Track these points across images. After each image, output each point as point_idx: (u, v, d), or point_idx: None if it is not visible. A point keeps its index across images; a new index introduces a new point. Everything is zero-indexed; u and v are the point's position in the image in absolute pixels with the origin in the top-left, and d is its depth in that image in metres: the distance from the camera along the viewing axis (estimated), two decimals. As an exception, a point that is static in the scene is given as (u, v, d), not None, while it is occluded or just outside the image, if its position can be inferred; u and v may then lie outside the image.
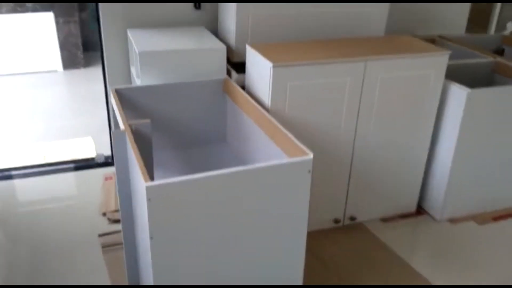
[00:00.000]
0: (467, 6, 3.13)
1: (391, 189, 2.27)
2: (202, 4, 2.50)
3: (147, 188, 1.25)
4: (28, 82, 4.48)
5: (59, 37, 4.67)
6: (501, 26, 4.37)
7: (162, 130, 2.12)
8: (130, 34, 2.30)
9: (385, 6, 2.40)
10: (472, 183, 2.27)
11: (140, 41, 2.17)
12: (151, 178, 1.61)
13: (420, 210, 2.40)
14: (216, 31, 2.50)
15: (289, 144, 1.55)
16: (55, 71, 4.78)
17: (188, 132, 2.17)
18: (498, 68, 2.51)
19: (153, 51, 2.05)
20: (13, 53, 4.58)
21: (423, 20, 3.05)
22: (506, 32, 4.36)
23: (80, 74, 4.75)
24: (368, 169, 2.17)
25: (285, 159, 1.43)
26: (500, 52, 3.10)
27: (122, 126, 1.60)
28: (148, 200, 1.27)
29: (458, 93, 2.08)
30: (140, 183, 1.33)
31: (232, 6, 2.18)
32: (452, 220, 2.33)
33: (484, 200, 2.37)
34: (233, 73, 2.19)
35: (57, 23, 4.61)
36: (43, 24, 4.58)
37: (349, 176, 2.15)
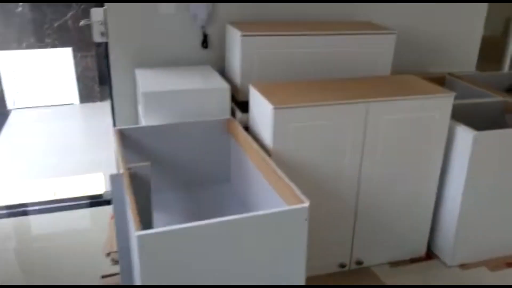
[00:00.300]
0: (477, 43, 3.11)
1: (399, 232, 2.21)
2: (209, 43, 2.52)
3: (138, 237, 1.24)
4: (45, 115, 4.57)
5: (76, 71, 4.77)
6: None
7: (166, 171, 2.12)
8: (137, 73, 2.33)
9: (391, 46, 2.40)
10: (483, 227, 2.21)
11: (145, 80, 2.20)
12: (148, 223, 1.60)
13: (430, 254, 2.33)
14: (223, 70, 2.51)
15: (287, 191, 1.52)
16: (72, 104, 4.87)
17: (193, 173, 2.16)
18: (509, 108, 2.46)
19: (157, 92, 2.07)
20: (32, 87, 4.69)
21: (433, 58, 3.04)
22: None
23: (96, 107, 4.83)
24: (374, 212, 2.12)
25: (281, 208, 1.41)
26: (513, 90, 3.05)
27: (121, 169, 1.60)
28: (140, 248, 1.25)
29: (465, 135, 2.04)
30: (132, 230, 1.31)
31: (237, 44, 2.20)
32: (463, 266, 2.25)
33: (496, 245, 2.29)
34: (238, 113, 2.19)
35: (74, 57, 4.71)
36: (61, 59, 4.69)
37: (355, 219, 2.11)
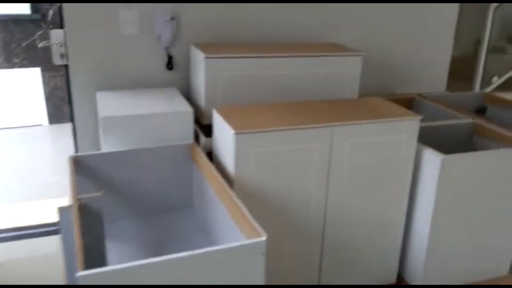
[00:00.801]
0: (446, 63, 3.11)
1: (368, 259, 2.15)
2: (175, 65, 2.46)
3: (80, 278, 1.16)
4: (13, 136, 4.44)
5: (45, 91, 4.67)
6: (487, 80, 4.36)
7: (126, 198, 2.03)
8: (98, 96, 2.25)
9: (358, 67, 2.36)
10: (454, 253, 2.16)
11: (106, 104, 2.12)
12: (100, 257, 1.51)
13: (401, 280, 2.27)
14: (189, 92, 2.45)
15: (245, 223, 1.46)
16: (41, 125, 4.75)
17: (154, 200, 2.08)
18: (477, 130, 2.44)
19: (117, 116, 1.99)
20: (0, 108, 4.57)
21: (402, 79, 3.02)
22: (492, 87, 4.34)
23: (65, 128, 4.72)
24: (342, 238, 2.06)
25: (237, 242, 1.33)
26: (482, 110, 3.05)
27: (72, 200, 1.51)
28: (82, 289, 1.17)
29: (432, 159, 2.01)
30: (75, 269, 1.23)
31: (201, 66, 2.14)
32: (433, 292, 2.20)
33: (468, 270, 2.24)
34: (201, 137, 2.12)
35: (43, 77, 4.62)
36: (30, 79, 4.59)
37: (322, 245, 2.04)
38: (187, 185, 2.09)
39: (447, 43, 3.06)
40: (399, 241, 2.17)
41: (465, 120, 2.47)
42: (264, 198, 1.86)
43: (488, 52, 4.33)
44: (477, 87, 4.37)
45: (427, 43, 3.00)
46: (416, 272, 2.18)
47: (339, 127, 1.87)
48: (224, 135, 1.84)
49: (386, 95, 2.99)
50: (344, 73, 2.35)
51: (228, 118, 1.85)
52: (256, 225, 1.40)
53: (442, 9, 2.96)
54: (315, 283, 2.09)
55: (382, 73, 2.94)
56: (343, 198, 1.99)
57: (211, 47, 2.29)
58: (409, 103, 2.92)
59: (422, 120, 2.56)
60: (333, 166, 1.92)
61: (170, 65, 2.45)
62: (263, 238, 1.34)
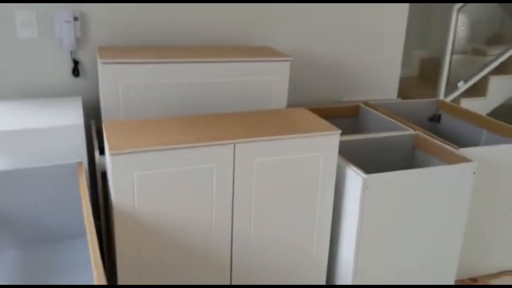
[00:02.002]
0: (397, 69, 2.87)
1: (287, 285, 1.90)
2: (82, 71, 2.20)
3: None
4: None
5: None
6: (452, 85, 4.13)
7: (8, 226, 1.77)
8: (-14, 107, 1.98)
9: (286, 74, 2.11)
10: (383, 274, 1.91)
11: (-13, 117, 1.86)
12: None
13: (327, 312, 2.02)
14: (98, 102, 2.19)
15: (96, 267, 1.19)
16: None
17: (41, 227, 1.81)
18: (418, 143, 2.20)
19: (-8, 132, 1.72)
20: None
21: (354, 85, 2.78)
22: (457, 93, 4.12)
23: None
24: (254, 273, 1.80)
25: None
26: (436, 119, 2.82)
27: None
28: None
29: (355, 179, 1.76)
30: None
31: (100, 72, 1.88)
32: (363, 326, 1.95)
33: None
34: (96, 155, 1.86)
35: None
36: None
37: (230, 275, 1.79)
38: (77, 211, 1.82)
39: (397, 47, 2.82)
40: (323, 271, 1.92)
41: (406, 132, 2.23)
42: (154, 229, 1.60)
43: (453, 54, 4.10)
44: (441, 93, 4.14)
45: (377, 47, 2.76)
46: (344, 305, 1.94)
47: (242, 144, 1.62)
48: (107, 155, 1.59)
49: (334, 102, 2.76)
50: (269, 81, 2.10)
51: (111, 134, 1.59)
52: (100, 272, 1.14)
53: (392, 11, 2.72)
54: (226, 320, 1.84)
55: (332, 80, 2.70)
56: (252, 225, 1.74)
57: (116, 51, 2.04)
58: (355, 112, 2.69)
59: (364, 131, 2.33)
60: (238, 189, 1.67)
61: (76, 71, 2.19)
62: (103, 289, 1.08)
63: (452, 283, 2.05)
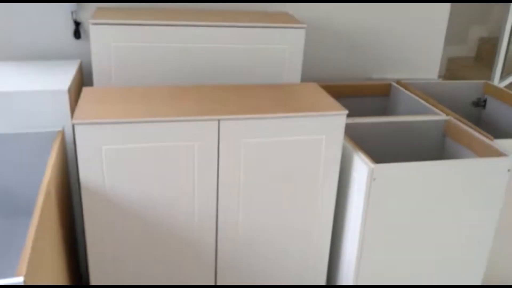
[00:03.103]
0: (439, 46, 2.54)
1: (282, 282, 1.71)
2: (84, 33, 2.05)
3: None
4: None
5: None
6: (510, 66, 3.71)
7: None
8: (-21, 67, 1.88)
9: (300, 43, 1.87)
10: (387, 276, 1.68)
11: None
12: None
13: (327, 312, 1.82)
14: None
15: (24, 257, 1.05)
16: None
17: (15, 198, 1.70)
18: (448, 130, 1.92)
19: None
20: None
21: (387, 62, 2.48)
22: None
23: None
24: (243, 267, 1.62)
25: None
26: (481, 104, 2.49)
27: None
28: None
29: (361, 168, 1.53)
30: None
31: (91, 33, 1.72)
32: (365, 333, 1.73)
33: None
34: (82, 124, 1.71)
35: None
36: None
37: (215, 272, 1.62)
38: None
39: (441, 18, 2.49)
40: (324, 265, 1.71)
41: (436, 117, 1.95)
42: (130, 212, 1.44)
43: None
44: (496, 76, 3.74)
45: (416, 18, 2.44)
46: (344, 308, 1.72)
47: (227, 121, 1.42)
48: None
49: (362, 79, 2.49)
50: (280, 50, 1.88)
51: (84, 102, 1.44)
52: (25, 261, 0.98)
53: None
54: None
55: (361, 54, 2.43)
56: (240, 216, 1.55)
57: (113, 11, 1.87)
58: (385, 91, 2.41)
59: (394, 113, 2.08)
60: (223, 173, 1.47)
61: (77, 33, 2.05)
62: (19, 279, 0.93)
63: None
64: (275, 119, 1.44)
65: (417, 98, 2.13)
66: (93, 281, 1.52)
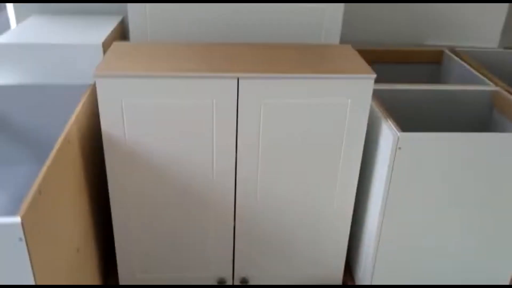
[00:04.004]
0: (503, 11, 2.33)
1: (302, 252, 1.70)
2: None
3: None
4: None
5: None
6: None
7: (21, 142, 1.77)
8: (25, 21, 1.96)
9: (340, 5, 1.78)
10: (408, 255, 1.61)
11: (19, 31, 1.83)
12: None
13: (348, 283, 1.78)
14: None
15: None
16: None
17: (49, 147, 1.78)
18: (496, 101, 1.78)
19: (11, 44, 1.69)
20: None
21: (441, 28, 2.32)
22: None
23: None
24: (262, 223, 1.62)
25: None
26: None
27: None
28: None
29: (387, 136, 1.45)
30: None
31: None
32: (385, 305, 1.69)
33: (429, 280, 1.69)
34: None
35: None
36: None
37: (234, 230, 1.62)
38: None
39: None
40: (345, 235, 1.67)
41: (483, 87, 1.81)
42: (150, 166, 1.47)
43: None
44: None
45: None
46: (365, 277, 1.68)
47: (247, 79, 1.39)
48: (101, 77, 1.46)
49: (412, 45, 2.35)
50: (320, 9, 1.79)
51: (110, 57, 1.46)
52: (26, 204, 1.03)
53: None
54: (229, 268, 1.70)
55: (417, 18, 2.28)
56: (259, 179, 1.53)
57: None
58: (438, 59, 2.27)
59: (444, 82, 1.97)
60: (242, 133, 1.46)
61: (122, -10, 2.07)
62: (17, 219, 0.98)
63: (507, 282, 1.68)
64: (297, 79, 1.40)
65: (468, 67, 1.99)
66: (116, 235, 1.58)
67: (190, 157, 1.48)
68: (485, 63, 2.19)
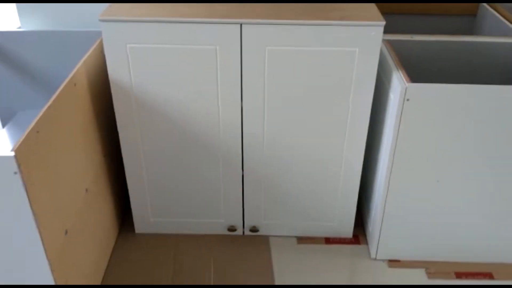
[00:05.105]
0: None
1: (312, 202, 1.69)
2: None
3: None
4: None
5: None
6: None
7: (40, 85, 1.84)
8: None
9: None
10: (417, 209, 1.57)
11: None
12: None
13: (359, 238, 1.77)
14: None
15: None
16: None
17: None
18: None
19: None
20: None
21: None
22: None
23: None
24: (269, 173, 1.62)
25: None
26: None
27: None
28: None
29: (396, 87, 1.40)
30: None
31: None
32: (394, 262, 1.67)
33: (441, 245, 1.64)
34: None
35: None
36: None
37: (242, 179, 1.64)
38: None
39: None
40: (355, 185, 1.65)
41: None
42: (157, 110, 1.50)
43: None
44: None
45: None
46: (373, 231, 1.67)
47: (250, 25, 1.37)
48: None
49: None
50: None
51: (116, 4, 1.47)
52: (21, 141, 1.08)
53: None
54: (239, 216, 1.73)
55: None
56: (266, 124, 1.53)
57: None
58: (472, 11, 2.15)
59: (475, 34, 1.87)
60: (247, 80, 1.45)
61: None
62: (10, 153, 1.03)
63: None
64: (301, 26, 1.36)
65: (501, 18, 1.87)
66: (129, 181, 1.63)
67: (196, 105, 1.49)
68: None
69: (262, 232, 1.76)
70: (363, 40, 1.38)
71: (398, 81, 1.39)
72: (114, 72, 1.44)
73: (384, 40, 1.62)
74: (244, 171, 1.62)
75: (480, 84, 1.35)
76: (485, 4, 2.06)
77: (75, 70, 1.37)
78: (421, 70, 1.71)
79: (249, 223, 1.74)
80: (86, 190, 1.44)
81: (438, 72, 1.73)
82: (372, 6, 1.47)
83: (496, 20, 1.93)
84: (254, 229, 1.75)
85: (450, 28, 2.17)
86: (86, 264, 1.46)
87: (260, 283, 1.57)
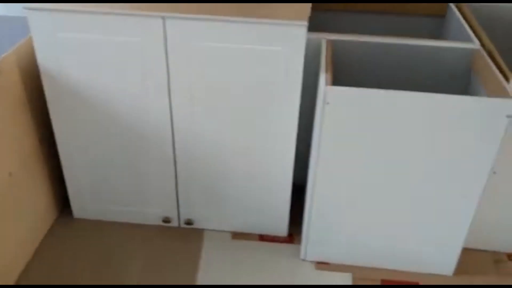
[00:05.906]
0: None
1: (246, 198, 1.69)
2: None
3: None
4: None
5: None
6: None
7: None
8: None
9: None
10: (342, 211, 1.56)
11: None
12: None
13: (294, 237, 1.77)
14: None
15: None
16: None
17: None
18: (475, 63, 1.63)
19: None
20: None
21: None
22: None
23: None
24: (201, 166, 1.63)
25: None
26: None
27: None
28: None
29: (320, 89, 1.38)
30: None
31: None
32: (322, 265, 1.66)
33: (372, 250, 1.63)
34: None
35: None
36: None
37: (176, 170, 1.65)
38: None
39: None
40: (286, 185, 1.64)
41: (463, 44, 1.65)
42: (89, 101, 1.51)
43: None
44: None
45: None
46: (305, 228, 1.65)
47: (173, 20, 1.36)
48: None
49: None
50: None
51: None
52: None
53: None
54: (174, 208, 1.74)
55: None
56: (195, 119, 1.52)
57: None
58: (442, 12, 2.09)
59: (444, 37, 1.83)
60: (173, 75, 1.45)
61: None
62: None
63: (457, 253, 1.58)
64: (225, 22, 1.35)
65: (463, 22, 1.80)
66: (65, 168, 1.66)
67: (124, 96, 1.49)
68: (490, 19, 1.98)
69: (197, 225, 1.76)
70: (286, 39, 1.36)
71: (321, 83, 1.37)
72: (44, 61, 1.45)
73: (328, 40, 1.59)
74: (176, 162, 1.62)
75: (421, 90, 1.32)
76: (451, 5, 1.99)
77: (0, 58, 1.39)
78: (364, 72, 1.68)
79: (184, 215, 1.75)
80: (10, 173, 1.46)
81: (381, 74, 1.69)
82: (307, 6, 1.44)
83: (457, 22, 1.87)
84: (189, 222, 1.76)
85: (419, 30, 2.11)
86: (11, 244, 1.49)
87: (181, 278, 1.58)
